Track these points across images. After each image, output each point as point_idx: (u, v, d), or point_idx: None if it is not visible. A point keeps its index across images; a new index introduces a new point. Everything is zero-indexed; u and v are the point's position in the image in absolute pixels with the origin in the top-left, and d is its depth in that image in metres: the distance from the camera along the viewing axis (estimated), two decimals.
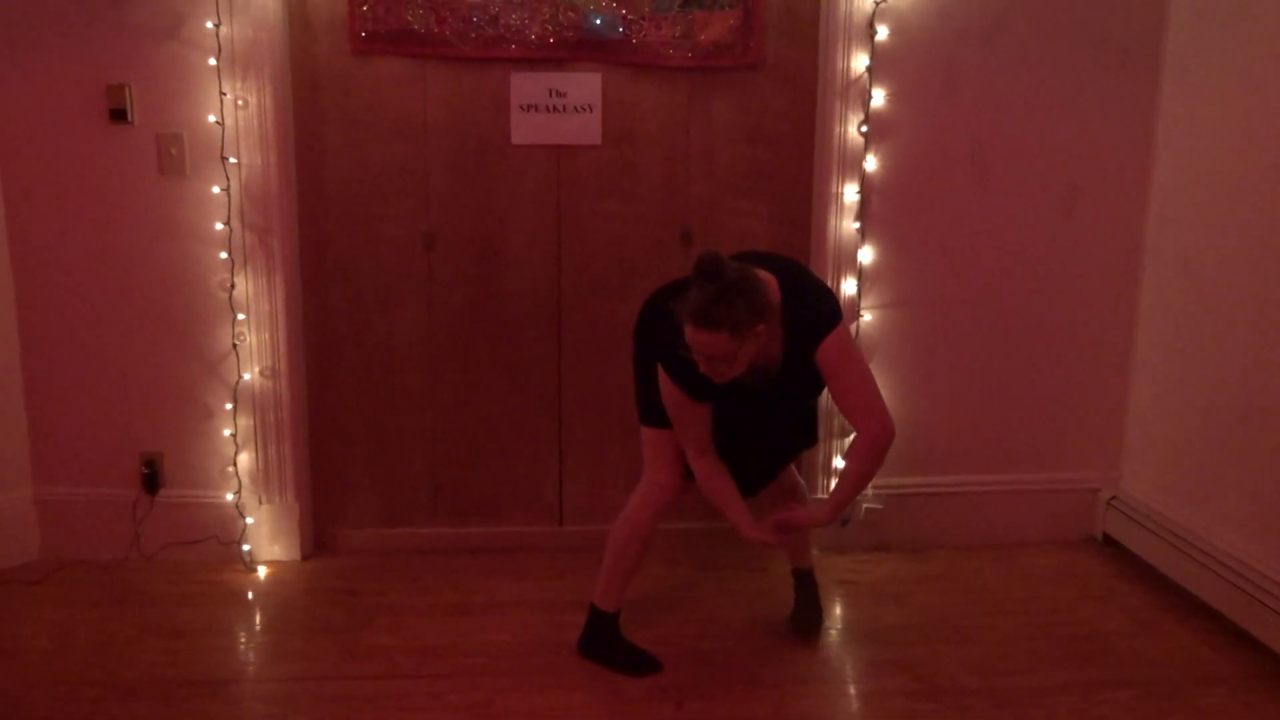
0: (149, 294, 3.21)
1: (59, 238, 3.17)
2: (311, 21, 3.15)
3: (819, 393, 2.64)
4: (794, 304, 2.40)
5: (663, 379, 2.48)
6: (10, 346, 3.22)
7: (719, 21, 3.18)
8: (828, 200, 3.28)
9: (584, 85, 3.23)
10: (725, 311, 2.21)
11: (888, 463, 3.37)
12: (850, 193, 3.27)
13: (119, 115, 3.07)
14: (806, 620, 2.92)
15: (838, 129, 3.23)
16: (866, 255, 3.31)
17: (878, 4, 3.14)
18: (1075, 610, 3.06)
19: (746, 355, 2.30)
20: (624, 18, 3.16)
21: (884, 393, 3.32)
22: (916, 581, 3.26)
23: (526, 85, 3.22)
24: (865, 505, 3.43)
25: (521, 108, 3.23)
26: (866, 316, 3.35)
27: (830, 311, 2.43)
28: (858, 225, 3.28)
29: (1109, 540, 3.49)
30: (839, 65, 3.19)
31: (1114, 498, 3.48)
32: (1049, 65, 3.27)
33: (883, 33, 3.17)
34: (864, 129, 3.22)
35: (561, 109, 3.24)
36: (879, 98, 3.22)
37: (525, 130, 3.25)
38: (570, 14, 3.15)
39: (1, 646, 2.79)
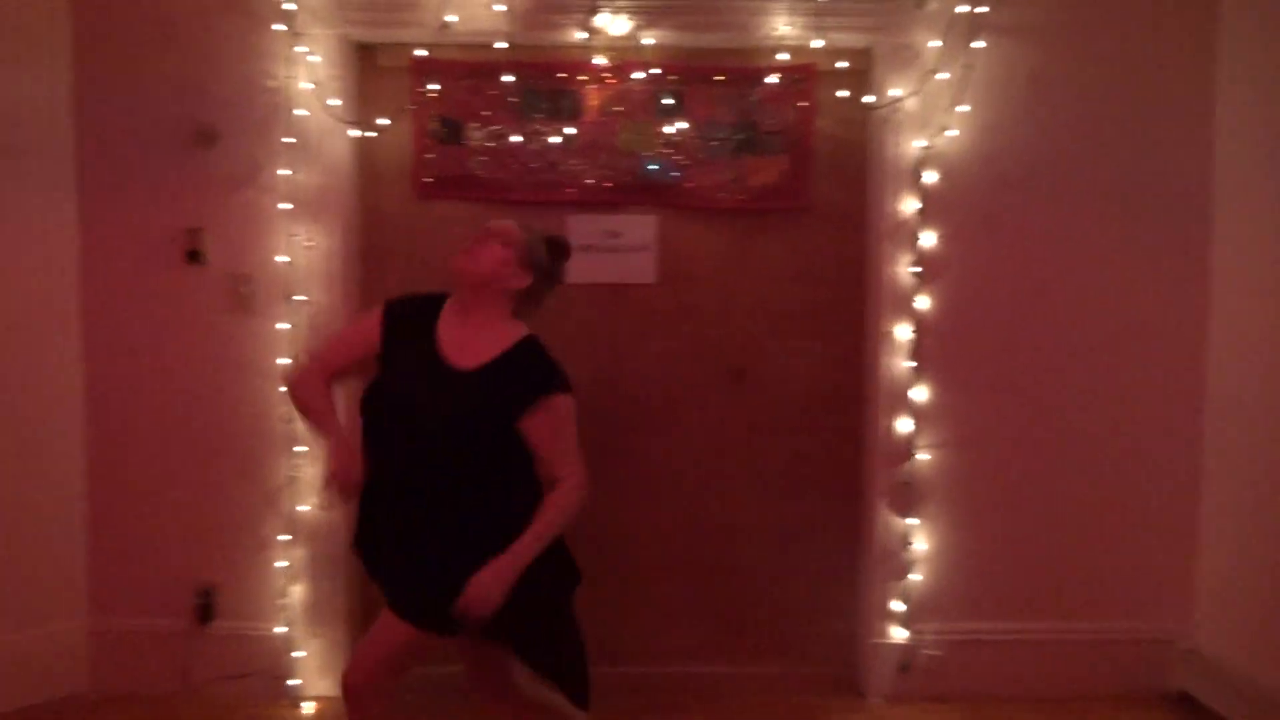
0: (213, 426, 3.29)
1: (132, 371, 3.30)
2: (379, 168, 3.31)
3: (501, 439, 2.32)
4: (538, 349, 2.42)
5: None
6: (77, 477, 3.31)
7: (769, 166, 3.27)
8: (879, 338, 3.28)
9: (639, 226, 3.32)
10: (535, 246, 2.45)
11: (948, 607, 3.30)
12: (902, 331, 3.27)
13: (195, 256, 3.23)
14: None
15: (888, 269, 3.26)
16: (921, 394, 3.29)
17: (925, 149, 3.21)
18: None
19: (498, 264, 2.38)
20: (678, 163, 3.27)
21: (939, 534, 3.31)
22: None
23: (583, 226, 3.32)
24: (925, 652, 3.30)
25: (578, 248, 3.31)
26: (923, 456, 3.30)
27: (564, 381, 2.39)
28: (911, 363, 3.27)
29: (1185, 698, 3.29)
30: (888, 207, 3.25)
31: (1190, 651, 3.30)
32: (1090, 208, 3.28)
33: (931, 176, 3.23)
34: (915, 269, 3.25)
35: (616, 249, 3.32)
36: (929, 238, 3.25)
37: (580, 269, 3.31)
38: (626, 160, 3.26)
39: None
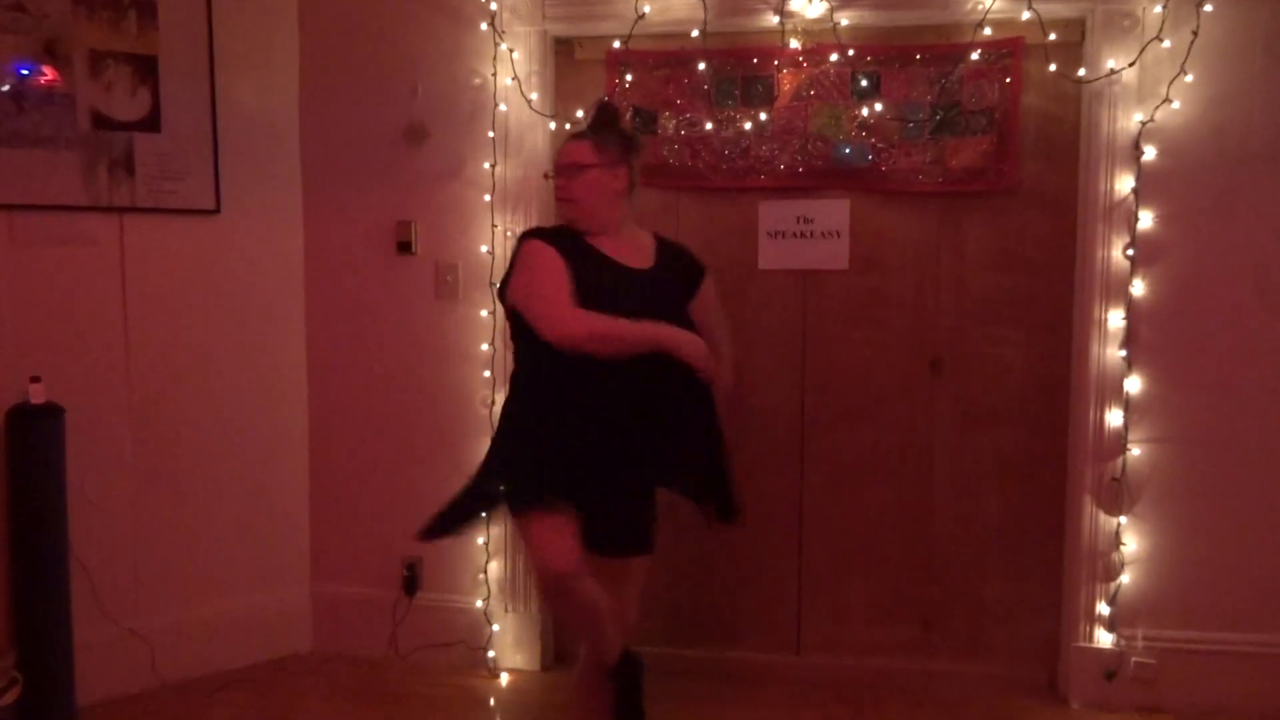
0: (418, 408, 3.48)
1: (348, 356, 3.52)
2: None
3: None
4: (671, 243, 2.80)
5: (540, 254, 2.52)
6: (300, 454, 3.58)
7: (971, 147, 3.15)
8: (1090, 327, 3.11)
9: (832, 212, 3.27)
10: (600, 134, 2.63)
11: (1161, 613, 3.12)
12: (1115, 319, 3.09)
13: (405, 247, 3.42)
14: None
15: (1100, 253, 3.09)
16: (1134, 385, 3.10)
17: (1144, 124, 3.01)
18: None
19: (596, 183, 2.58)
20: (873, 146, 3.20)
21: (1152, 534, 3.13)
22: None
23: (775, 213, 3.30)
24: (1135, 659, 3.12)
25: (769, 234, 3.30)
26: (1135, 451, 3.11)
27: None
28: (1124, 353, 3.09)
29: None
30: (1101, 187, 3.07)
31: None
32: None
33: (1150, 153, 3.03)
34: (1130, 253, 3.06)
35: (809, 235, 3.29)
36: (1146, 220, 3.05)
37: (772, 256, 3.31)
38: (819, 144, 3.22)
39: None
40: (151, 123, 3.18)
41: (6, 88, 2.96)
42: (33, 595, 2.98)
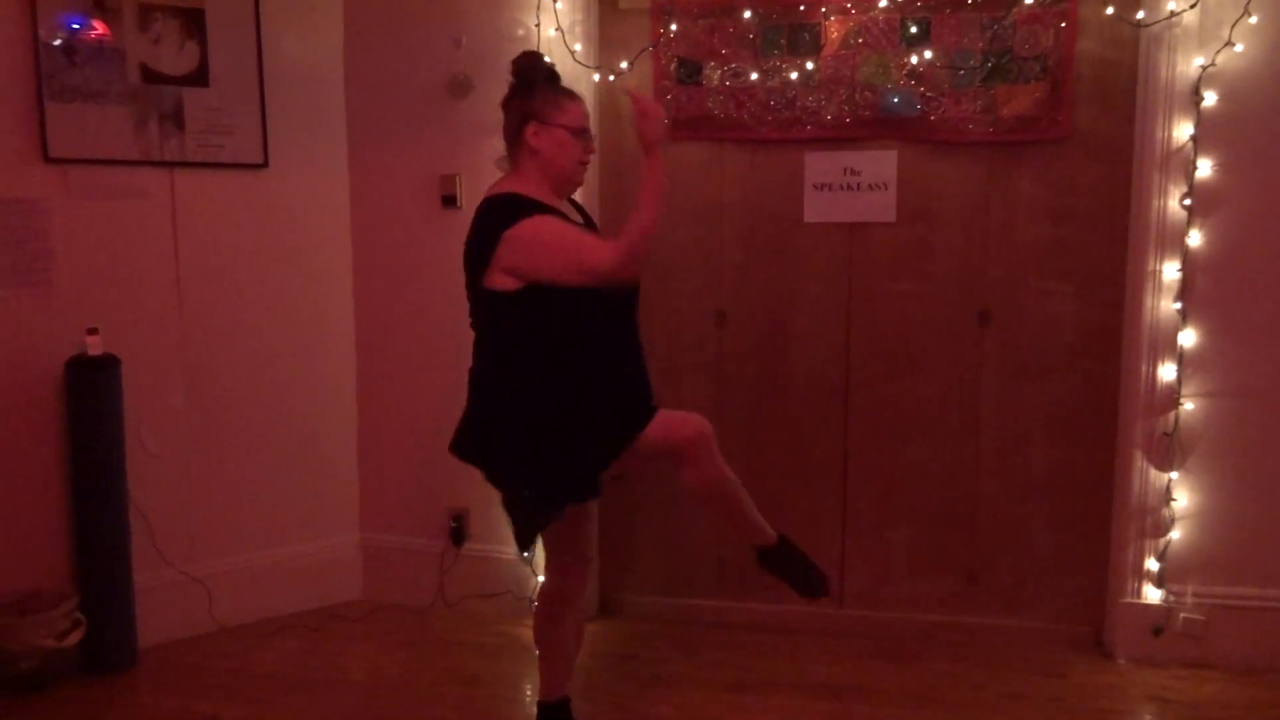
0: (464, 361, 3.49)
1: (394, 310, 3.57)
2: (620, 112, 3.37)
3: None
4: None
5: (548, 224, 2.44)
6: (349, 406, 3.63)
7: (1024, 94, 3.08)
8: (1143, 279, 3.05)
9: (879, 163, 3.22)
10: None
11: (1210, 569, 3.08)
12: (1170, 271, 3.02)
13: (449, 201, 3.43)
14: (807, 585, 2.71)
15: (1156, 203, 3.01)
16: (1188, 338, 3.04)
17: (1204, 68, 2.92)
18: None
19: None
20: (922, 95, 3.14)
21: (1203, 490, 3.08)
22: (1246, 708, 2.88)
23: (821, 164, 3.26)
24: (1184, 615, 3.09)
25: (815, 186, 3.27)
26: (1188, 405, 3.05)
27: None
28: (1178, 305, 3.02)
29: None
30: (1159, 135, 2.99)
31: None
32: None
33: (1210, 99, 2.94)
34: (1187, 202, 2.98)
35: (855, 187, 3.24)
36: (1205, 168, 2.97)
37: (818, 208, 3.28)
38: (867, 94, 3.16)
39: (324, 675, 3.12)
40: (200, 77, 3.21)
41: (58, 42, 3.00)
42: (94, 541, 3.08)
